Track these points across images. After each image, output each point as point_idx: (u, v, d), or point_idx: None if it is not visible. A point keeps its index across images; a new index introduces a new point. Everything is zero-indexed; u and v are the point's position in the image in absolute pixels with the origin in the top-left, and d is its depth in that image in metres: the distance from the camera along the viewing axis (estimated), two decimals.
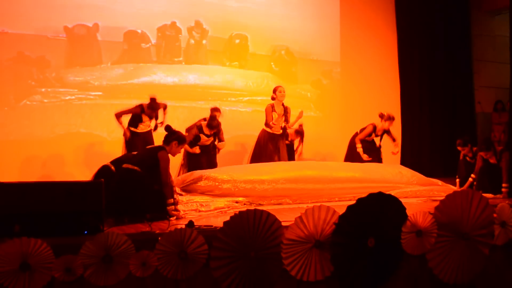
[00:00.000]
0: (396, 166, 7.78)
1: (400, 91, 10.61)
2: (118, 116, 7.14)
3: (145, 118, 7.20)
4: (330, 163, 7.70)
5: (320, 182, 6.47)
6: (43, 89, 8.16)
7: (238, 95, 9.36)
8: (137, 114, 7.18)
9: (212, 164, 7.55)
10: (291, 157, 8.29)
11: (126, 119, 7.25)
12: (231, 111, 9.13)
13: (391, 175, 6.98)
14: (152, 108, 7.16)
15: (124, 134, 7.15)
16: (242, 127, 9.16)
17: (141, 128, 7.22)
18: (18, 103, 7.98)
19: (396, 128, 10.38)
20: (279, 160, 7.84)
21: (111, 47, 8.67)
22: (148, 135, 7.28)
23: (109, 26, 8.60)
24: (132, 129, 7.18)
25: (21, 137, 7.90)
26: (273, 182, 6.30)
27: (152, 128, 7.34)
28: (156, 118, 7.36)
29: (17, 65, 8.03)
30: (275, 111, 7.90)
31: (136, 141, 7.13)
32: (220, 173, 6.34)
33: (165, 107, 7.49)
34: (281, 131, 8.01)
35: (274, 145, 7.93)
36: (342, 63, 10.35)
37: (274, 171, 6.50)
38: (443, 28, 10.71)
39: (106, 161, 5.40)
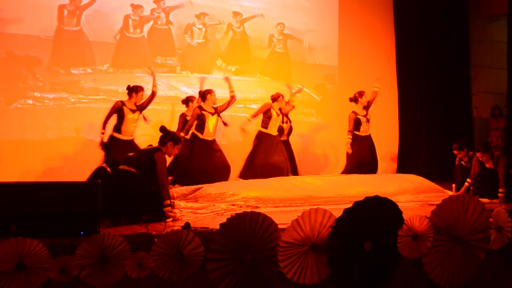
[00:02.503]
0: (396, 177, 7.83)
1: (398, 96, 10.63)
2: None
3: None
4: (326, 178, 7.53)
5: (314, 202, 6.37)
6: (35, 93, 8.03)
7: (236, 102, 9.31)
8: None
9: (224, 165, 7.58)
10: (290, 154, 8.31)
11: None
12: (230, 116, 9.11)
13: (388, 187, 6.98)
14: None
15: None
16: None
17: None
18: (8, 106, 7.87)
19: (394, 132, 10.43)
20: (277, 159, 7.84)
21: (105, 48, 8.57)
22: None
23: (102, 27, 8.55)
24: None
25: (11, 141, 7.77)
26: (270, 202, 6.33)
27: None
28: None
29: (8, 67, 7.88)
30: (273, 108, 8.00)
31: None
32: (217, 189, 6.37)
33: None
34: (277, 132, 8.07)
35: (269, 144, 7.93)
36: (340, 68, 10.36)
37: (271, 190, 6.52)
38: (441, 34, 10.74)
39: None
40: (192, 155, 7.42)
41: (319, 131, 10.02)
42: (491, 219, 4.48)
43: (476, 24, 11.20)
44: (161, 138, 5.33)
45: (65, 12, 8.28)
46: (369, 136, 8.40)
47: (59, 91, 8.18)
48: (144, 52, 8.86)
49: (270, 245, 3.84)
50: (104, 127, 7.03)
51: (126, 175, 5.11)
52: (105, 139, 7.06)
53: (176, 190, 6.33)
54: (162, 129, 5.40)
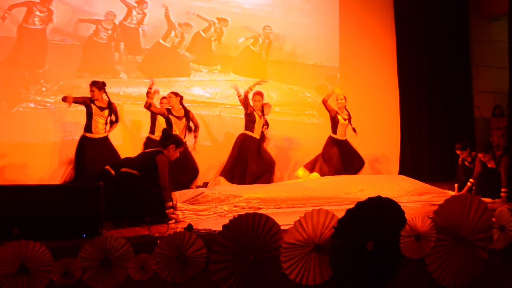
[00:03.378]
0: (395, 178, 7.82)
1: (399, 95, 10.63)
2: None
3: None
4: (326, 179, 7.51)
5: (313, 204, 6.36)
6: (37, 96, 8.04)
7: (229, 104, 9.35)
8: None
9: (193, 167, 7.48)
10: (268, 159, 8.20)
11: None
12: (220, 116, 9.13)
13: (388, 189, 6.96)
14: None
15: None
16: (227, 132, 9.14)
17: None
18: (10, 109, 7.89)
19: (395, 133, 10.42)
20: (256, 162, 7.80)
21: (106, 51, 8.60)
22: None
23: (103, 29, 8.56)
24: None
25: (13, 144, 7.78)
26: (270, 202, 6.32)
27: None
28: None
29: (9, 70, 7.90)
30: (256, 111, 7.95)
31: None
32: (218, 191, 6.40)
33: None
34: (258, 136, 7.99)
35: (252, 148, 7.87)
36: (341, 68, 10.36)
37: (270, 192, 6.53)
38: (442, 33, 10.74)
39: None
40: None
41: (320, 132, 10.00)
42: (493, 219, 4.48)
43: (476, 24, 11.21)
44: (163, 140, 5.33)
45: (35, 11, 8.19)
46: (346, 141, 8.38)
47: (60, 95, 8.15)
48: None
49: (273, 246, 3.84)
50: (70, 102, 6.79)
51: (128, 178, 5.11)
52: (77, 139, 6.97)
53: (178, 195, 6.33)
54: (164, 131, 5.41)
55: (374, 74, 10.43)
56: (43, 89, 8.12)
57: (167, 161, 5.22)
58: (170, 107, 7.43)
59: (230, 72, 9.48)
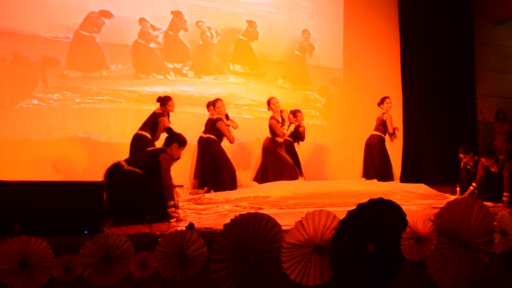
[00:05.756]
0: (397, 184, 7.86)
1: (402, 99, 10.63)
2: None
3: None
4: (330, 182, 7.56)
5: (315, 204, 6.39)
6: (39, 94, 8.03)
7: (242, 106, 9.41)
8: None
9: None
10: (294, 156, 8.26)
11: None
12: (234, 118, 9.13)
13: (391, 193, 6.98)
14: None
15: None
16: (245, 134, 9.12)
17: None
18: (13, 106, 7.87)
19: (398, 136, 10.42)
20: (286, 163, 7.84)
21: (112, 49, 8.59)
22: None
23: (110, 28, 8.56)
24: None
25: (15, 140, 7.78)
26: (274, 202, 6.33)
27: None
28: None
29: (14, 67, 7.88)
30: (279, 122, 7.94)
31: None
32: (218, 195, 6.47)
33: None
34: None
35: (279, 151, 7.93)
36: (345, 70, 10.36)
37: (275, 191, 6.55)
38: (446, 37, 10.75)
39: (103, 166, 5.35)
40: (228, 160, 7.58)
41: (323, 134, 10.01)
42: (495, 223, 4.48)
43: (481, 28, 11.21)
44: (166, 139, 5.34)
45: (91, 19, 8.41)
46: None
47: (64, 91, 8.18)
48: (159, 60, 8.99)
49: (274, 246, 3.85)
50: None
51: (130, 176, 5.11)
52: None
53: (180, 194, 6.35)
54: (168, 130, 5.41)
55: (378, 76, 10.43)
56: (49, 87, 8.14)
57: (170, 160, 5.23)
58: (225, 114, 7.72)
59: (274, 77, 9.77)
